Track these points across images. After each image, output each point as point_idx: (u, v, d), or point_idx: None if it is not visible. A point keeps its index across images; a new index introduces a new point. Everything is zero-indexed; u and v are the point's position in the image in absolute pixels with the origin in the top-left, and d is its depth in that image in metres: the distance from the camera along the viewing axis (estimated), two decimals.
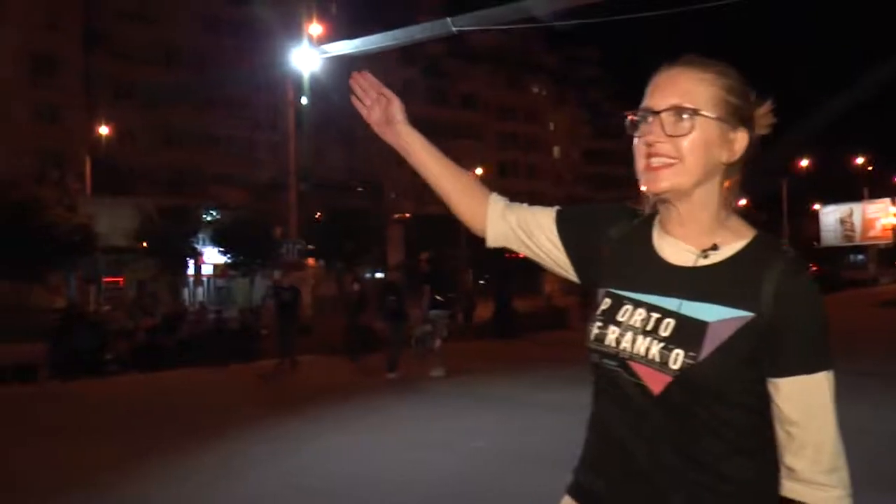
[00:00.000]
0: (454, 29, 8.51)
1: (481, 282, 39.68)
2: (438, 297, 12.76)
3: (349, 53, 11.27)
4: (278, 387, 12.46)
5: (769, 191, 45.30)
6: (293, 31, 31.50)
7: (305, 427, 9.03)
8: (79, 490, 6.61)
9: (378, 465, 7.19)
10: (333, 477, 6.81)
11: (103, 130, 42.86)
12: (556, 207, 1.75)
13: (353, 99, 1.82)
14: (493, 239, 1.77)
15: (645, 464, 1.47)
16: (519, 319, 20.35)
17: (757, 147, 1.54)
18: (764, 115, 1.54)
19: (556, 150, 74.51)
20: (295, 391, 11.91)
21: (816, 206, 51.72)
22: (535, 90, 72.05)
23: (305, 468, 7.18)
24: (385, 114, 1.82)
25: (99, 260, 37.67)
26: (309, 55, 19.93)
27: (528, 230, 1.73)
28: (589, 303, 1.65)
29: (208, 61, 46.78)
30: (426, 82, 61.40)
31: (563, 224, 1.71)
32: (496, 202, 1.78)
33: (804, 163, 54.59)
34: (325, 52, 13.38)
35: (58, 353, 16.09)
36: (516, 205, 1.79)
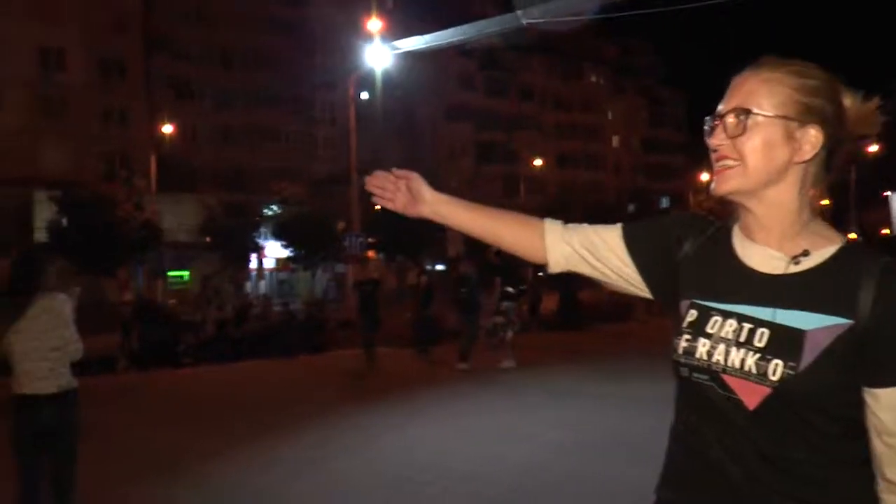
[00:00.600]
0: (524, 22, 8.51)
1: (540, 273, 39.58)
2: (509, 289, 12.82)
3: (409, 48, 11.32)
4: (353, 379, 12.59)
5: (835, 177, 44.08)
6: (351, 27, 31.79)
7: (384, 417, 9.14)
8: (164, 476, 6.79)
9: (458, 455, 7.26)
10: (415, 466, 6.88)
11: (167, 130, 43.78)
12: (621, 224, 1.71)
13: (376, 198, 1.80)
14: (555, 263, 1.72)
15: (739, 481, 1.43)
16: (584, 311, 20.27)
17: (857, 147, 1.51)
18: (866, 115, 1.49)
19: (615, 140, 73.73)
20: (369, 382, 12.00)
21: (887, 193, 50.18)
22: (593, 79, 71.34)
23: (387, 458, 7.28)
24: (409, 194, 1.78)
25: (164, 255, 38.58)
26: (378, 51, 20.08)
27: (593, 249, 1.68)
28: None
29: (266, 60, 47.36)
30: (484, 74, 61.27)
31: (631, 239, 1.66)
32: (552, 227, 1.73)
33: (873, 148, 53.07)
34: (396, 49, 13.45)
35: (131, 344, 16.50)
36: (575, 225, 1.73)
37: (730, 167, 1.46)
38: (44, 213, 36.46)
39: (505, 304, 12.76)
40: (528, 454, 7.17)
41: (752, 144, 1.45)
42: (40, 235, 35.73)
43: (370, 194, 1.80)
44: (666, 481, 1.58)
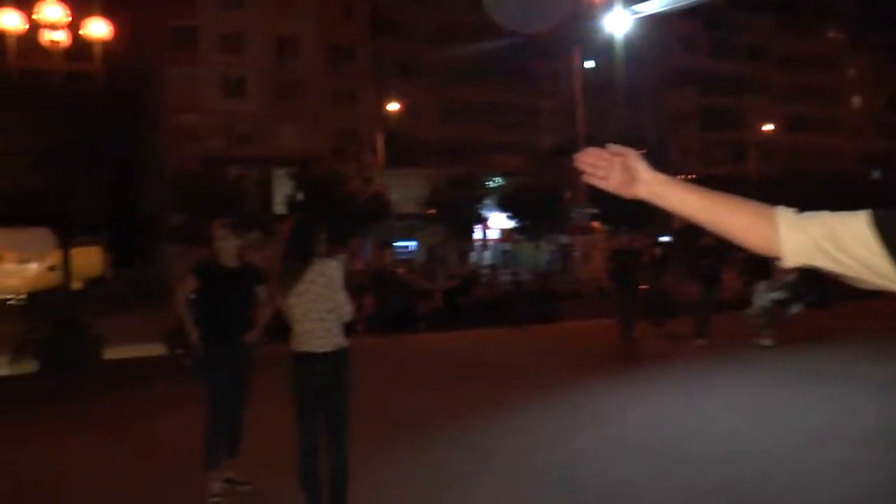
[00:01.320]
0: None
1: None
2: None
3: (650, 11, 10.92)
4: (587, 349, 12.48)
5: None
6: None
7: (625, 390, 9.01)
8: (409, 433, 7.12)
9: (703, 433, 7.00)
10: (661, 443, 6.71)
11: (393, 107, 45.55)
12: (868, 211, 1.47)
13: (588, 177, 1.67)
14: (791, 254, 1.53)
15: None
16: (830, 287, 18.88)
17: None
18: None
19: (855, 100, 67.90)
20: (604, 354, 11.82)
21: None
22: (830, 35, 65.92)
23: (632, 431, 7.16)
24: (625, 172, 1.65)
25: (392, 226, 40.25)
26: (618, 17, 19.68)
27: (836, 240, 1.47)
28: None
29: (488, 34, 47.77)
30: (708, 35, 58.46)
31: (883, 226, 1.43)
32: (786, 215, 1.54)
33: None
34: (637, 13, 13.08)
35: (365, 310, 17.26)
36: (811, 214, 1.54)
37: None
38: (282, 189, 39.16)
39: (790, 277, 11.88)
40: (778, 438, 6.79)
41: None
42: (279, 209, 38.37)
43: (581, 171, 1.68)
44: None
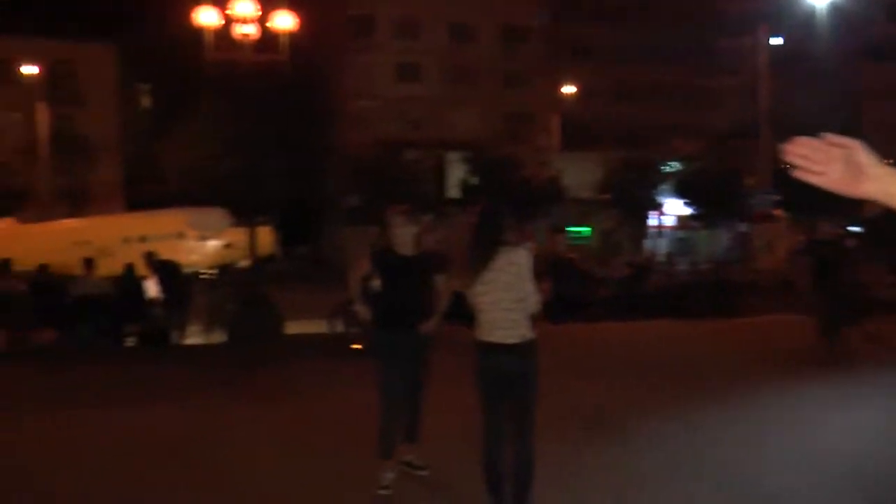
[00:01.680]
0: None
1: None
2: None
3: None
4: (772, 348, 11.68)
5: None
6: None
7: (815, 395, 8.40)
8: (593, 427, 7.01)
9: None
10: (857, 453, 6.19)
11: (568, 90, 45.03)
12: None
13: (801, 172, 1.45)
14: None
15: None
16: None
17: None
18: None
19: None
20: (792, 355, 10.90)
21: None
22: None
23: (820, 441, 6.64)
24: (848, 167, 1.41)
25: (566, 211, 39.82)
26: None
27: None
28: None
29: (665, 13, 46.19)
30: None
31: None
32: None
33: None
34: None
35: (543, 296, 17.02)
36: None
37: None
38: (456, 173, 39.62)
39: None
40: None
41: None
42: (452, 193, 38.85)
43: (790, 164, 1.47)
44: None
